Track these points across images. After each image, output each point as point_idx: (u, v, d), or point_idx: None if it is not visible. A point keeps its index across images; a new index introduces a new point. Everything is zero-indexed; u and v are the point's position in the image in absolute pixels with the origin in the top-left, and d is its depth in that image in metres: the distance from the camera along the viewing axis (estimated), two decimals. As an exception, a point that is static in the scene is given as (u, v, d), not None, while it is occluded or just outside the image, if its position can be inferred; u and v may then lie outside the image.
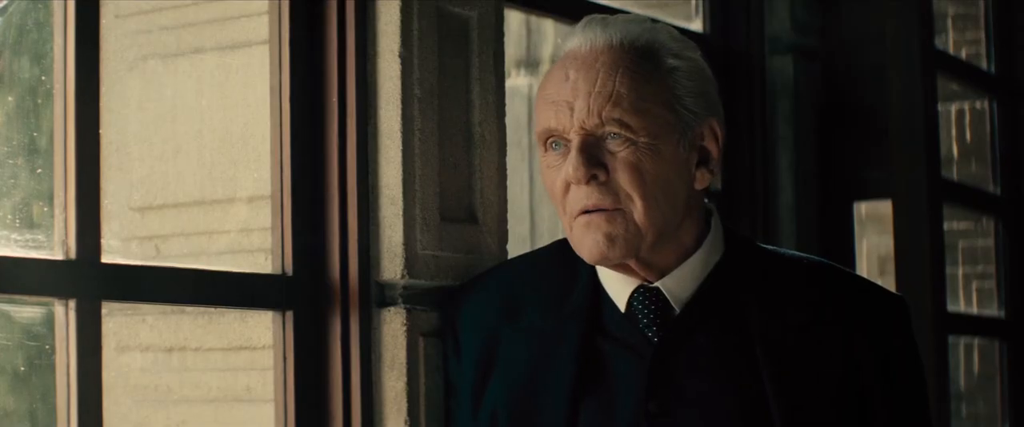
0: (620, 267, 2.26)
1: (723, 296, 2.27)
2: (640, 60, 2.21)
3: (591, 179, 2.19)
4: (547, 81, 2.25)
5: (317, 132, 2.42)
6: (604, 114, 2.18)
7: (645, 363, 2.24)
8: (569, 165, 2.19)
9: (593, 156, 2.19)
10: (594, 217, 2.20)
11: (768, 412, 2.20)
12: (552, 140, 2.23)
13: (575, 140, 2.20)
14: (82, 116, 2.12)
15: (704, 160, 2.26)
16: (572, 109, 2.20)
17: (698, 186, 2.25)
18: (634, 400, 2.22)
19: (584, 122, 2.19)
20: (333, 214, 2.40)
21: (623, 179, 2.19)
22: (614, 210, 2.20)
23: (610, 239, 2.20)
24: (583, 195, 2.20)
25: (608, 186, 2.20)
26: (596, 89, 2.19)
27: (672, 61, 2.23)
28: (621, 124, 2.19)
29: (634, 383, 2.23)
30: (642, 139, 2.19)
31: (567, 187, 2.21)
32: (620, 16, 2.28)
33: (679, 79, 2.23)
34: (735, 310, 2.26)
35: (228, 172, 2.55)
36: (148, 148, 2.61)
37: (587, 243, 2.21)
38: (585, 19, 2.27)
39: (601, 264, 2.26)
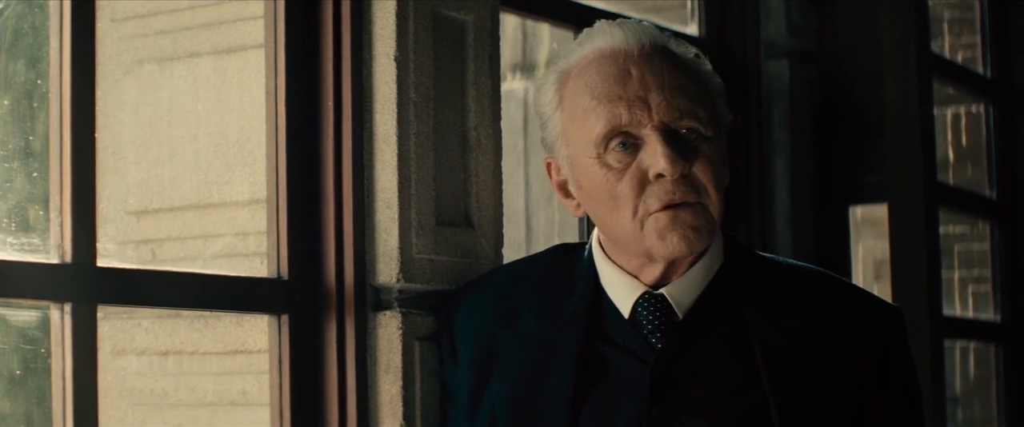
0: (643, 267, 2.24)
1: (724, 303, 2.27)
2: (687, 59, 2.23)
3: (683, 170, 2.16)
4: (598, 79, 2.20)
5: (313, 136, 2.42)
6: (682, 107, 2.17)
7: (647, 368, 2.23)
8: (662, 159, 2.15)
9: (680, 149, 2.17)
10: (680, 212, 2.18)
11: (768, 418, 2.20)
12: (619, 140, 2.19)
13: (655, 135, 2.17)
14: (78, 120, 2.12)
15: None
16: (647, 104, 2.17)
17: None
18: (635, 405, 2.22)
19: (664, 115, 2.17)
20: (329, 218, 2.40)
21: (700, 172, 2.18)
22: (696, 204, 2.18)
23: (698, 232, 2.18)
24: (669, 189, 2.17)
25: (689, 180, 2.18)
26: (667, 83, 2.18)
27: (705, 63, 2.25)
28: (697, 118, 2.18)
29: (636, 388, 2.22)
30: (709, 132, 2.20)
31: (642, 184, 2.18)
32: (632, 20, 2.27)
33: (711, 80, 2.25)
34: (735, 317, 2.26)
35: (224, 176, 2.55)
36: (144, 152, 2.61)
37: (675, 238, 2.17)
38: (604, 23, 2.24)
39: (682, 257, 2.22)
